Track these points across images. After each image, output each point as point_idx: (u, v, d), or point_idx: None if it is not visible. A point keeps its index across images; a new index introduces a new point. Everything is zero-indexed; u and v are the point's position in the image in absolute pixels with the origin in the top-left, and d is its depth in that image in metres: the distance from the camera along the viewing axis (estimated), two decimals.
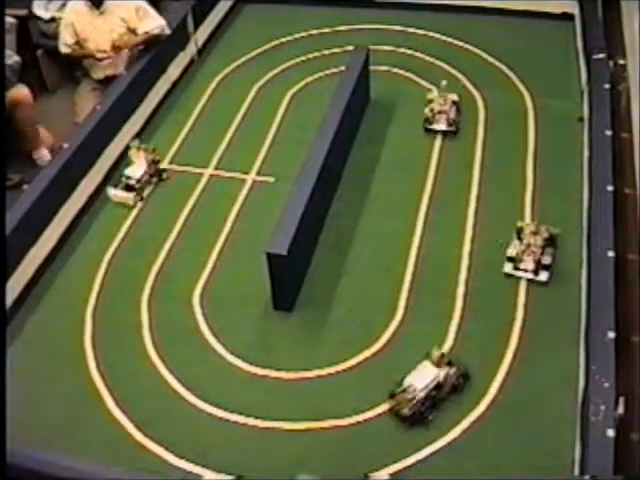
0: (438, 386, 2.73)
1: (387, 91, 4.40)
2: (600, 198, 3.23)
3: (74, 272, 3.48)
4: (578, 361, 2.83)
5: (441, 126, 4.03)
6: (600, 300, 2.79)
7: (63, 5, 4.81)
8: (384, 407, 2.78)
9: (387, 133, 4.12)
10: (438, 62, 4.63)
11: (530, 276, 3.18)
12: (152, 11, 4.51)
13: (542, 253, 3.17)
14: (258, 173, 3.94)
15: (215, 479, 2.60)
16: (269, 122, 4.27)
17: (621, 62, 3.74)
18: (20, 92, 4.35)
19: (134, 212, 3.76)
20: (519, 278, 3.20)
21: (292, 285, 3.21)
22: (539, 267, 3.17)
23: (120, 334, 3.16)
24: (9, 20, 4.71)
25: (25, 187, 3.59)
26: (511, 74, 4.47)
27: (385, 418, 2.76)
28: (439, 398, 2.73)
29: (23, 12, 5.08)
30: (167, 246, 3.55)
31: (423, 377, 2.75)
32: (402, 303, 3.17)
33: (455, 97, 4.10)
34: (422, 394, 2.70)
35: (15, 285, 3.30)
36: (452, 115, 4.03)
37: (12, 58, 4.31)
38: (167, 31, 4.46)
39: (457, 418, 2.73)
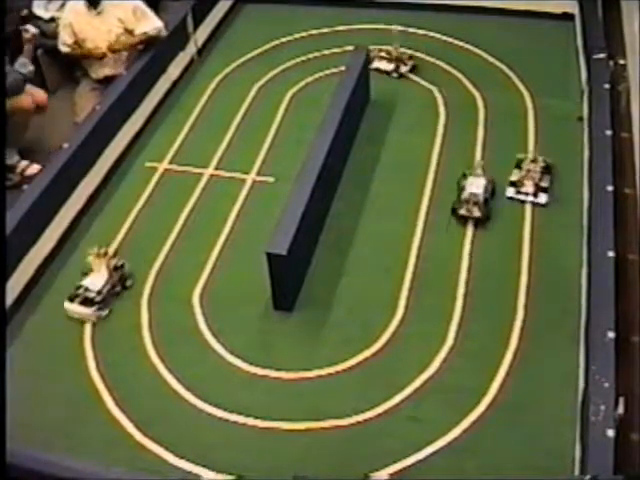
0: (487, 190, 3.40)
1: (387, 91, 4.40)
2: (600, 198, 3.23)
3: (74, 272, 3.48)
4: (578, 361, 2.83)
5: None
6: (600, 300, 2.79)
7: (63, 5, 4.82)
8: (385, 407, 2.78)
9: (387, 133, 4.11)
10: (438, 62, 4.63)
11: (530, 198, 3.50)
12: (150, 12, 4.52)
13: (540, 179, 3.53)
14: (258, 173, 3.94)
15: (215, 479, 2.60)
16: (269, 122, 4.27)
17: (621, 62, 3.74)
18: (25, 100, 4.38)
19: (134, 212, 3.76)
20: (519, 286, 3.20)
21: (292, 285, 3.21)
22: (538, 190, 3.51)
23: (120, 334, 3.16)
24: (31, 30, 4.75)
25: (25, 187, 3.59)
26: (511, 74, 4.47)
27: (385, 418, 2.76)
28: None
29: (23, 12, 5.09)
30: (167, 246, 3.55)
31: (477, 186, 3.44)
32: (402, 303, 3.17)
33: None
34: (481, 198, 3.39)
35: (15, 285, 3.30)
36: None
37: (27, 67, 4.33)
38: (164, 33, 4.46)
39: (457, 418, 2.73)
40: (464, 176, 3.55)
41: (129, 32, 4.44)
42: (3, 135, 4.11)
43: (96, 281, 3.25)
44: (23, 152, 4.69)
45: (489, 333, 3.02)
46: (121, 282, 3.32)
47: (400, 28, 4.45)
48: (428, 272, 3.30)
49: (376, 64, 4.46)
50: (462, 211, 3.45)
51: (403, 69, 4.47)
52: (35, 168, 4.43)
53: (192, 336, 3.12)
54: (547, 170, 3.59)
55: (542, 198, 3.51)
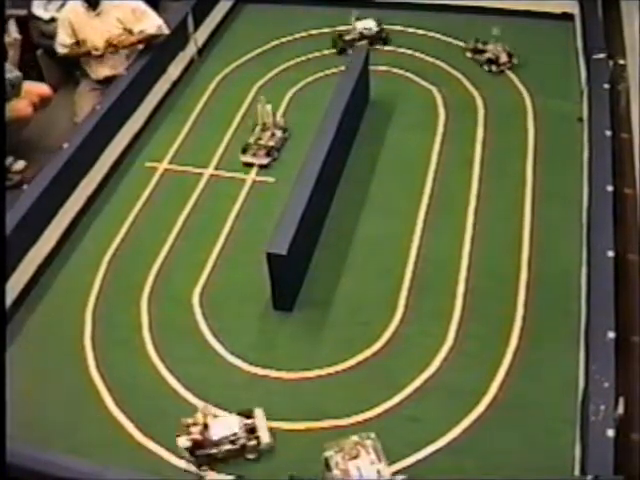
0: None
1: (387, 91, 4.40)
2: (600, 198, 3.23)
3: (74, 272, 3.48)
4: (578, 361, 2.83)
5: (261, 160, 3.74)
6: (600, 300, 2.79)
7: (62, 5, 4.82)
8: (385, 407, 2.78)
9: (387, 133, 4.11)
10: (438, 62, 4.63)
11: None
12: (150, 11, 4.52)
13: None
14: (258, 173, 3.94)
15: (215, 479, 2.60)
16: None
17: (621, 62, 3.74)
18: (20, 105, 4.37)
19: (134, 212, 3.76)
20: (518, 285, 3.20)
21: (292, 285, 3.21)
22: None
23: (120, 334, 3.16)
24: (14, 35, 4.74)
25: (25, 187, 3.59)
26: (511, 74, 4.47)
27: (385, 418, 2.76)
28: None
29: (23, 12, 5.09)
30: (167, 246, 3.55)
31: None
32: (402, 303, 3.17)
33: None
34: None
35: (15, 285, 3.30)
36: (273, 142, 3.73)
37: (13, 73, 4.32)
38: (165, 31, 4.45)
39: (457, 418, 2.73)
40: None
41: (128, 32, 4.44)
42: (3, 135, 4.11)
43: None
44: (23, 152, 4.69)
45: (489, 333, 3.02)
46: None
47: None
48: (428, 272, 3.30)
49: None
50: None
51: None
52: (21, 164, 4.43)
53: (192, 336, 3.12)
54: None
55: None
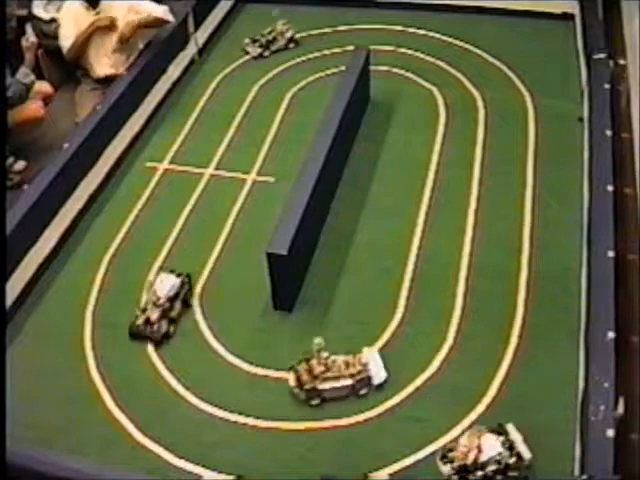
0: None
1: (387, 91, 4.40)
2: (600, 198, 3.23)
3: (74, 272, 3.49)
4: (578, 361, 2.83)
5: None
6: (600, 300, 2.79)
7: (62, 6, 4.81)
8: (385, 407, 2.79)
9: (387, 133, 4.11)
10: (438, 62, 4.63)
11: None
12: (150, 2, 4.50)
13: None
14: (258, 173, 3.94)
15: (215, 479, 2.60)
16: (269, 122, 4.27)
17: (621, 62, 3.74)
18: (33, 106, 4.39)
19: (134, 212, 3.76)
20: (518, 285, 3.20)
21: (292, 285, 3.21)
22: None
23: (120, 334, 3.16)
24: (32, 39, 4.76)
25: (25, 187, 3.59)
26: (511, 74, 4.47)
27: (385, 418, 2.76)
28: None
29: (23, 12, 5.09)
30: (167, 246, 3.55)
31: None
32: (402, 303, 3.17)
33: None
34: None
35: (15, 285, 3.30)
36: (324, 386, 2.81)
37: (29, 77, 4.34)
38: (170, 17, 4.43)
39: (457, 418, 2.73)
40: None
41: (133, 21, 4.43)
42: (3, 135, 4.11)
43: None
44: (24, 152, 4.68)
45: (489, 333, 3.02)
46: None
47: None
48: (428, 272, 3.30)
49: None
50: None
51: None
52: (21, 164, 4.45)
53: (192, 336, 3.13)
54: None
55: None
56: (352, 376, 2.78)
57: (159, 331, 3.06)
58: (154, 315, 3.07)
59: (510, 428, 2.56)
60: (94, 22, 4.48)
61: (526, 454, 2.49)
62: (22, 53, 4.66)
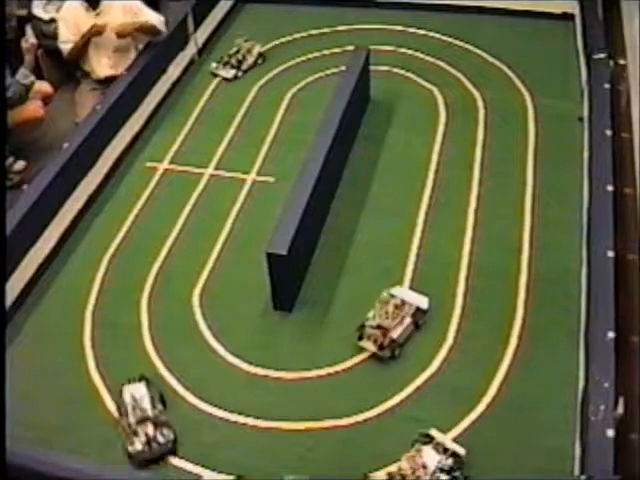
0: None
1: (387, 91, 4.40)
2: (600, 198, 3.23)
3: (74, 272, 3.49)
4: (578, 361, 2.83)
5: (370, 346, 2.93)
6: (600, 300, 2.79)
7: (62, 6, 4.81)
8: (385, 407, 2.79)
9: (387, 133, 4.11)
10: (438, 62, 4.63)
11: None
12: (149, 9, 4.53)
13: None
14: (258, 173, 3.94)
15: (215, 479, 2.60)
16: (269, 122, 4.27)
17: (621, 62, 3.74)
18: (33, 106, 4.40)
19: (134, 212, 3.76)
20: (519, 285, 3.19)
21: (292, 285, 3.21)
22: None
23: (120, 334, 3.16)
24: (31, 41, 4.78)
25: (25, 187, 3.59)
26: (511, 74, 4.47)
27: (385, 418, 2.76)
28: None
29: (23, 12, 5.09)
30: (167, 246, 3.55)
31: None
32: None
33: (423, 304, 3.03)
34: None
35: (15, 285, 3.30)
36: (395, 334, 2.90)
37: (29, 78, 4.36)
38: (164, 28, 4.46)
39: (457, 418, 2.73)
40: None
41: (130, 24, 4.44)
42: (3, 135, 4.11)
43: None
44: (23, 152, 4.69)
45: (489, 333, 3.02)
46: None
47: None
48: (428, 272, 3.30)
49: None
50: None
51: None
52: (21, 164, 4.46)
53: (192, 336, 3.13)
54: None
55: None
56: (407, 314, 2.95)
57: (167, 441, 2.66)
58: (149, 430, 2.67)
59: (434, 432, 2.59)
60: (93, 27, 4.48)
61: (460, 450, 2.54)
62: (22, 54, 4.68)
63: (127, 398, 2.76)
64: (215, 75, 4.68)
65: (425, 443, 2.56)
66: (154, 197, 3.86)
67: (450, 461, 2.51)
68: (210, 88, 4.62)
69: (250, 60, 4.71)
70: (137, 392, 2.78)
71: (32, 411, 2.84)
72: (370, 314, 2.98)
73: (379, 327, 2.91)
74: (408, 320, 2.95)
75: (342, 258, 3.41)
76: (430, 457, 2.51)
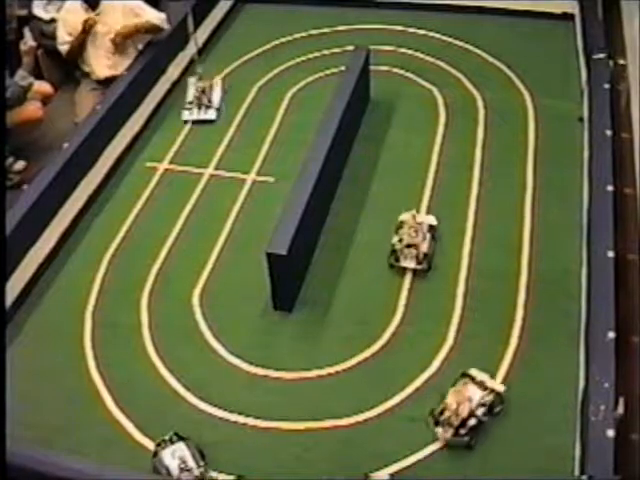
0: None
1: (387, 91, 4.40)
2: (600, 198, 3.23)
3: (74, 272, 3.49)
4: (578, 361, 2.83)
5: (409, 263, 3.29)
6: (600, 300, 2.79)
7: (62, 6, 4.81)
8: (385, 407, 2.79)
9: (387, 133, 4.11)
10: (438, 62, 4.63)
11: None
12: (149, 8, 4.52)
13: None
14: (258, 173, 3.94)
15: (215, 479, 2.60)
16: (269, 122, 4.27)
17: (621, 62, 3.74)
18: (31, 107, 4.41)
19: (134, 212, 3.76)
20: (519, 286, 3.19)
21: (292, 285, 3.21)
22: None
23: (120, 334, 3.16)
24: (30, 43, 4.78)
25: (25, 187, 3.59)
26: (511, 74, 4.47)
27: (385, 418, 2.76)
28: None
29: (23, 12, 5.09)
30: (167, 246, 3.55)
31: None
32: (402, 303, 3.17)
33: (432, 221, 3.44)
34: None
35: (15, 285, 3.30)
36: (424, 248, 3.29)
37: (27, 80, 4.36)
38: (166, 25, 4.46)
39: None
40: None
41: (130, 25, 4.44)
42: (3, 135, 4.11)
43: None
44: (23, 152, 4.69)
45: (489, 333, 3.02)
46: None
47: None
48: (428, 272, 3.30)
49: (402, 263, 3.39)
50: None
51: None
52: (21, 164, 4.46)
53: (192, 336, 3.13)
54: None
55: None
56: (425, 231, 3.34)
57: None
58: None
59: (474, 372, 2.76)
60: (85, 21, 4.47)
61: (499, 387, 2.72)
62: (20, 56, 4.68)
63: (170, 461, 2.62)
64: (194, 122, 4.30)
65: (465, 381, 2.74)
66: (154, 197, 3.86)
67: (491, 397, 2.68)
68: None
69: (217, 93, 4.39)
70: (179, 452, 2.65)
71: (32, 411, 2.84)
72: (394, 240, 3.33)
73: (410, 245, 3.28)
74: (428, 235, 3.35)
75: (342, 258, 3.41)
76: (474, 392, 2.69)
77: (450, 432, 2.63)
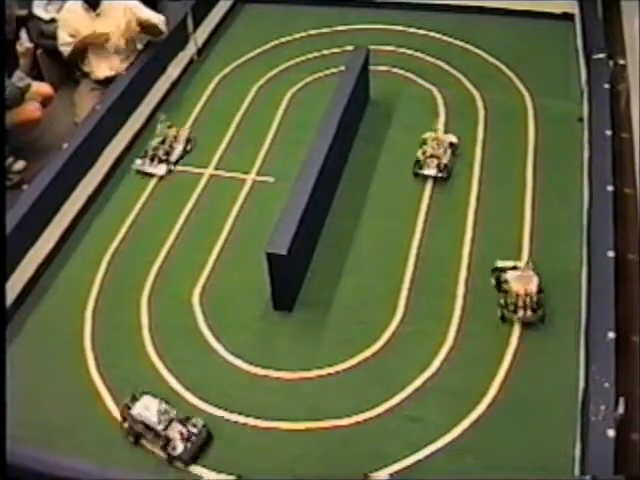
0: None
1: (387, 91, 4.40)
2: (600, 198, 3.23)
3: (74, 272, 3.48)
4: (578, 361, 2.83)
5: (431, 171, 3.74)
6: (600, 300, 2.79)
7: (62, 6, 4.81)
8: (385, 407, 2.78)
9: (387, 133, 4.11)
10: (438, 62, 4.63)
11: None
12: (149, 9, 4.53)
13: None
14: (258, 173, 3.94)
15: (215, 479, 2.60)
16: (269, 122, 4.27)
17: (621, 62, 3.74)
18: (30, 107, 4.41)
19: (134, 212, 3.76)
20: None
21: (292, 285, 3.21)
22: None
23: (120, 334, 3.16)
24: (26, 45, 4.78)
25: (25, 187, 3.59)
26: (511, 74, 4.47)
27: (385, 418, 2.76)
28: None
29: (23, 12, 5.09)
30: (167, 246, 3.55)
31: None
32: (402, 303, 3.17)
33: (453, 139, 3.88)
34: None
35: (15, 285, 3.30)
36: (445, 160, 3.75)
37: (24, 81, 4.37)
38: (165, 28, 4.46)
39: (457, 418, 2.73)
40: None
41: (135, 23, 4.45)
42: (3, 135, 4.12)
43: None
44: (23, 152, 4.69)
45: (489, 333, 3.02)
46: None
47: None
48: (428, 272, 3.30)
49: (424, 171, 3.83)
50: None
51: None
52: (21, 164, 4.47)
53: (192, 336, 3.13)
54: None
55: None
56: (446, 146, 3.81)
57: (200, 430, 2.70)
58: (179, 428, 2.69)
59: (501, 263, 3.15)
60: (100, 35, 4.47)
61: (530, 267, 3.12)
62: (18, 57, 4.68)
63: (144, 413, 2.70)
64: (143, 173, 3.99)
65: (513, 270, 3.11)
66: (154, 197, 3.86)
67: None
68: (210, 88, 4.62)
69: (179, 149, 4.05)
70: (148, 404, 2.74)
71: (32, 411, 2.84)
72: (419, 153, 3.79)
73: (433, 156, 3.76)
74: (449, 150, 3.80)
75: (342, 258, 3.41)
76: (528, 273, 3.07)
77: (529, 312, 2.98)
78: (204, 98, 4.54)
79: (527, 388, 2.81)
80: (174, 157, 4.04)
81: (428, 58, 4.68)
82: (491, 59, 4.62)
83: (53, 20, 4.96)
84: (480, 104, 4.27)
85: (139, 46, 4.54)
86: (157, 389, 2.92)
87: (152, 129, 4.18)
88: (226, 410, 2.83)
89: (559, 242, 3.35)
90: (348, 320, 3.14)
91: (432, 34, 4.90)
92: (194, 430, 2.68)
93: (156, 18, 4.45)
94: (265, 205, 3.68)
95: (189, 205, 3.77)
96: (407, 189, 3.74)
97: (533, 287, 3.00)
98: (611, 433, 2.36)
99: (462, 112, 4.20)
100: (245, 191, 3.83)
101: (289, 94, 4.49)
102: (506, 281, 3.07)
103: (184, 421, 2.71)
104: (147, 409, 2.71)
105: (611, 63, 3.96)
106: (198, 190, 3.86)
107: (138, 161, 4.03)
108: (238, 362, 3.01)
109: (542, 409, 2.74)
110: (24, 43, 4.90)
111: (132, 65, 4.38)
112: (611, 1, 4.26)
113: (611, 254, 2.94)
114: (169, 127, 4.11)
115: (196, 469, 2.65)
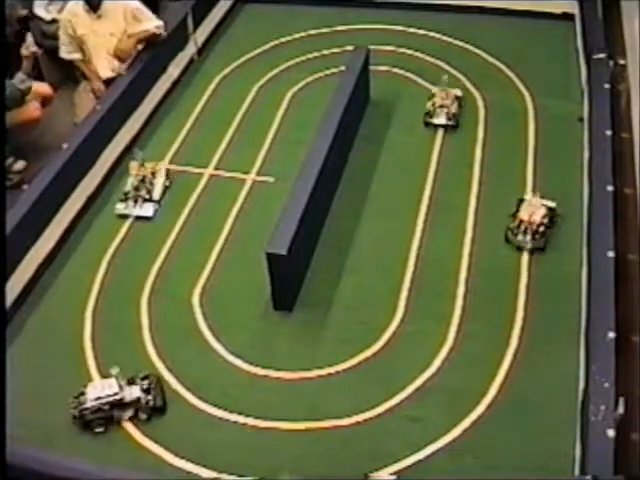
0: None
1: (387, 91, 4.40)
2: (600, 198, 3.23)
3: (74, 272, 3.48)
4: (578, 361, 2.83)
5: (441, 120, 4.07)
6: (600, 300, 2.79)
7: (64, 7, 4.82)
8: (385, 407, 2.78)
9: (387, 133, 4.11)
10: (438, 62, 4.63)
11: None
12: (149, 12, 4.53)
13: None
14: (258, 173, 3.94)
15: (215, 479, 2.60)
16: (269, 122, 4.27)
17: (621, 62, 3.74)
18: (30, 107, 4.42)
19: (134, 212, 3.75)
20: (519, 286, 3.19)
21: (292, 285, 3.21)
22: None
23: (120, 334, 3.16)
24: (32, 49, 4.80)
25: (25, 187, 3.59)
26: (511, 74, 4.47)
27: (385, 418, 2.76)
28: None
29: (24, 12, 5.10)
30: (167, 246, 3.55)
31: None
32: (402, 303, 3.17)
33: (458, 92, 4.20)
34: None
35: (15, 285, 3.30)
36: (453, 109, 4.09)
37: (25, 83, 4.38)
38: (163, 32, 4.46)
39: (457, 418, 2.73)
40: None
41: (129, 36, 4.43)
42: (3, 135, 4.12)
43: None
44: (23, 152, 4.70)
45: (489, 333, 3.02)
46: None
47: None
48: (428, 272, 3.30)
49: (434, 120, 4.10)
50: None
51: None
52: (21, 164, 4.47)
53: (192, 336, 3.13)
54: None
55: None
56: (452, 97, 4.13)
57: (156, 393, 2.83)
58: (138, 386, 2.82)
59: (528, 197, 3.41)
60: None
61: (553, 204, 3.39)
62: (20, 59, 4.69)
63: (101, 394, 2.76)
64: (126, 216, 3.73)
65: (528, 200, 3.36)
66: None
67: (547, 211, 3.33)
68: (210, 88, 4.62)
69: (159, 184, 3.80)
70: (94, 391, 2.78)
71: (32, 411, 2.83)
72: (428, 104, 4.09)
73: (442, 106, 4.06)
74: (456, 101, 4.12)
75: (342, 258, 3.41)
76: (537, 205, 3.32)
77: (528, 237, 3.26)
78: (204, 98, 4.54)
79: (527, 388, 2.81)
80: (157, 194, 3.77)
81: (428, 58, 4.68)
82: (491, 59, 4.62)
83: (54, 21, 4.97)
84: (480, 104, 4.27)
85: (139, 47, 4.54)
86: None
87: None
88: (226, 410, 2.83)
89: (559, 242, 3.35)
90: (348, 320, 3.14)
91: (432, 34, 4.90)
92: (145, 382, 2.81)
93: (155, 27, 4.41)
94: (265, 205, 3.68)
95: (189, 205, 3.77)
96: (407, 189, 3.74)
97: (537, 217, 3.27)
98: (611, 433, 2.36)
99: (462, 112, 4.19)
100: (245, 191, 3.83)
101: (289, 94, 4.49)
102: (518, 210, 3.37)
103: (131, 382, 2.81)
104: (101, 391, 2.77)
105: (611, 63, 3.95)
106: (198, 190, 3.86)
107: (119, 205, 3.74)
108: (238, 362, 3.01)
109: (542, 409, 2.74)
110: (30, 47, 4.90)
111: (132, 65, 4.37)
112: (611, 1, 4.26)
113: (611, 254, 2.94)
114: (142, 164, 3.80)
115: (196, 469, 2.65)
